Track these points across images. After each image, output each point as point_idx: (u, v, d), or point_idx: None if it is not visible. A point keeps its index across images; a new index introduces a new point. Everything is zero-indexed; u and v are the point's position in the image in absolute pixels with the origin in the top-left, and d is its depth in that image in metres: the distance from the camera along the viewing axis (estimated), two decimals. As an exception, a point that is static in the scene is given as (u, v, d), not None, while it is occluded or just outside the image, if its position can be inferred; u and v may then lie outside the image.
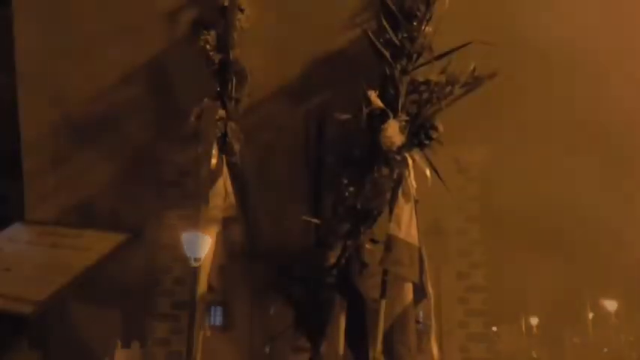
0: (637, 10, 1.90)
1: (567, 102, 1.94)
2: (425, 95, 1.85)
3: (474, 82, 1.82)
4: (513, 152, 2.01)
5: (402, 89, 1.86)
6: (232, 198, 2.12)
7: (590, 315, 2.27)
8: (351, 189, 1.91)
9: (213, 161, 2.02)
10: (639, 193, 1.95)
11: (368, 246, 1.95)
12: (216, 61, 2.06)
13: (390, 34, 1.82)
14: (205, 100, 2.05)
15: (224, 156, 2.09)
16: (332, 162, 2.00)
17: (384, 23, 1.84)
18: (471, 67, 1.78)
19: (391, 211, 1.81)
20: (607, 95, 1.92)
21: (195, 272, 2.04)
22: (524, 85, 1.97)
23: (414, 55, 1.85)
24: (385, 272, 1.88)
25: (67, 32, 2.50)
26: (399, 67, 1.85)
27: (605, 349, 2.46)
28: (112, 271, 2.46)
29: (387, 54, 1.84)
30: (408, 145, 1.83)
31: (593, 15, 1.90)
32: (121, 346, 2.58)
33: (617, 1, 1.91)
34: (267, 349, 2.27)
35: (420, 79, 1.86)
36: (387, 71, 1.86)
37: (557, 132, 1.95)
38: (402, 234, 1.78)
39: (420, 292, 1.88)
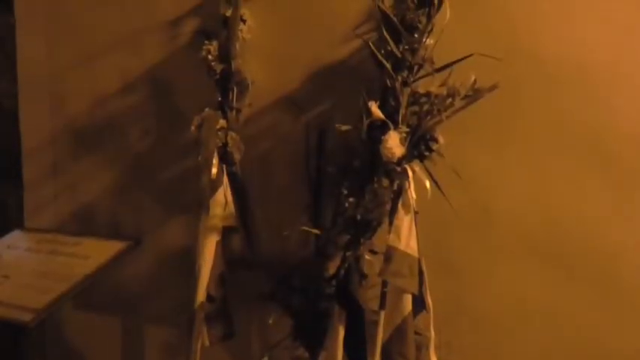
0: (636, 23, 1.91)
1: (568, 114, 1.95)
2: (425, 107, 1.85)
3: (474, 94, 1.83)
4: (514, 164, 2.02)
5: (403, 101, 1.86)
6: (232, 207, 2.12)
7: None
8: (351, 200, 1.91)
9: (214, 170, 2.02)
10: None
11: (367, 257, 1.94)
12: (218, 71, 2.07)
13: (392, 45, 1.83)
14: (206, 109, 2.06)
15: (224, 165, 2.09)
16: (332, 172, 2.01)
17: (386, 35, 1.85)
18: (472, 80, 1.79)
19: (391, 223, 1.82)
20: (609, 108, 1.92)
21: (194, 280, 2.04)
22: (525, 96, 1.98)
23: (415, 67, 1.86)
24: (384, 283, 1.88)
25: (69, 40, 2.50)
26: (399, 78, 1.85)
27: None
28: (112, 279, 2.46)
29: (389, 65, 1.84)
30: (408, 157, 1.83)
31: (593, 26, 1.91)
32: (120, 354, 2.59)
33: (617, 14, 1.92)
34: (265, 359, 2.28)
35: (421, 90, 1.86)
36: (388, 83, 1.86)
37: (558, 144, 1.96)
38: (401, 245, 1.78)
39: (419, 304, 1.88)
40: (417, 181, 1.81)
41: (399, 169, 1.81)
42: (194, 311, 2.03)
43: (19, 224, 2.65)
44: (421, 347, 1.94)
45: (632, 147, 1.98)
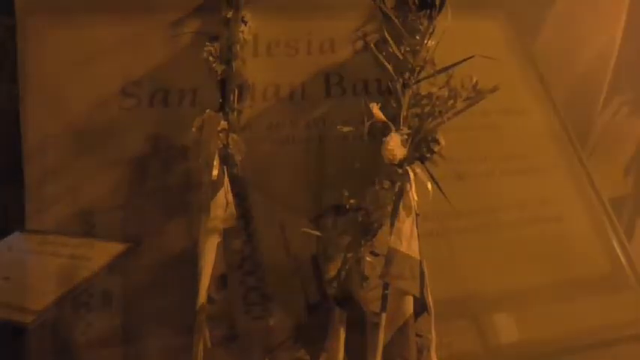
0: (638, 24, 1.91)
1: (568, 117, 1.95)
2: (427, 109, 1.85)
3: (475, 96, 1.84)
4: (513, 166, 2.03)
5: (404, 102, 1.87)
6: (233, 209, 2.11)
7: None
8: (352, 201, 1.92)
9: (215, 172, 2.00)
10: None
11: (368, 259, 1.94)
12: (219, 72, 2.07)
13: (393, 47, 1.83)
14: (207, 111, 2.05)
15: (225, 167, 2.09)
16: (333, 174, 2.01)
17: (387, 36, 1.85)
18: (473, 81, 1.80)
19: (392, 225, 1.81)
20: (609, 110, 1.93)
21: (195, 282, 2.04)
22: (525, 98, 1.98)
23: (417, 69, 1.86)
24: (386, 286, 1.88)
25: (70, 43, 2.50)
26: (401, 80, 1.86)
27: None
28: (112, 281, 2.46)
29: (390, 67, 1.85)
30: (409, 159, 1.83)
31: (594, 28, 1.92)
32: (120, 356, 2.58)
33: (617, 16, 1.93)
34: (265, 361, 2.27)
35: (422, 92, 1.87)
36: (389, 84, 1.88)
37: (559, 147, 1.96)
38: (403, 247, 1.78)
39: (420, 306, 1.88)
40: (418, 183, 1.81)
41: (400, 170, 1.81)
42: (195, 313, 2.03)
43: (19, 226, 2.64)
44: (422, 349, 1.94)
45: (632, 147, 1.98)
